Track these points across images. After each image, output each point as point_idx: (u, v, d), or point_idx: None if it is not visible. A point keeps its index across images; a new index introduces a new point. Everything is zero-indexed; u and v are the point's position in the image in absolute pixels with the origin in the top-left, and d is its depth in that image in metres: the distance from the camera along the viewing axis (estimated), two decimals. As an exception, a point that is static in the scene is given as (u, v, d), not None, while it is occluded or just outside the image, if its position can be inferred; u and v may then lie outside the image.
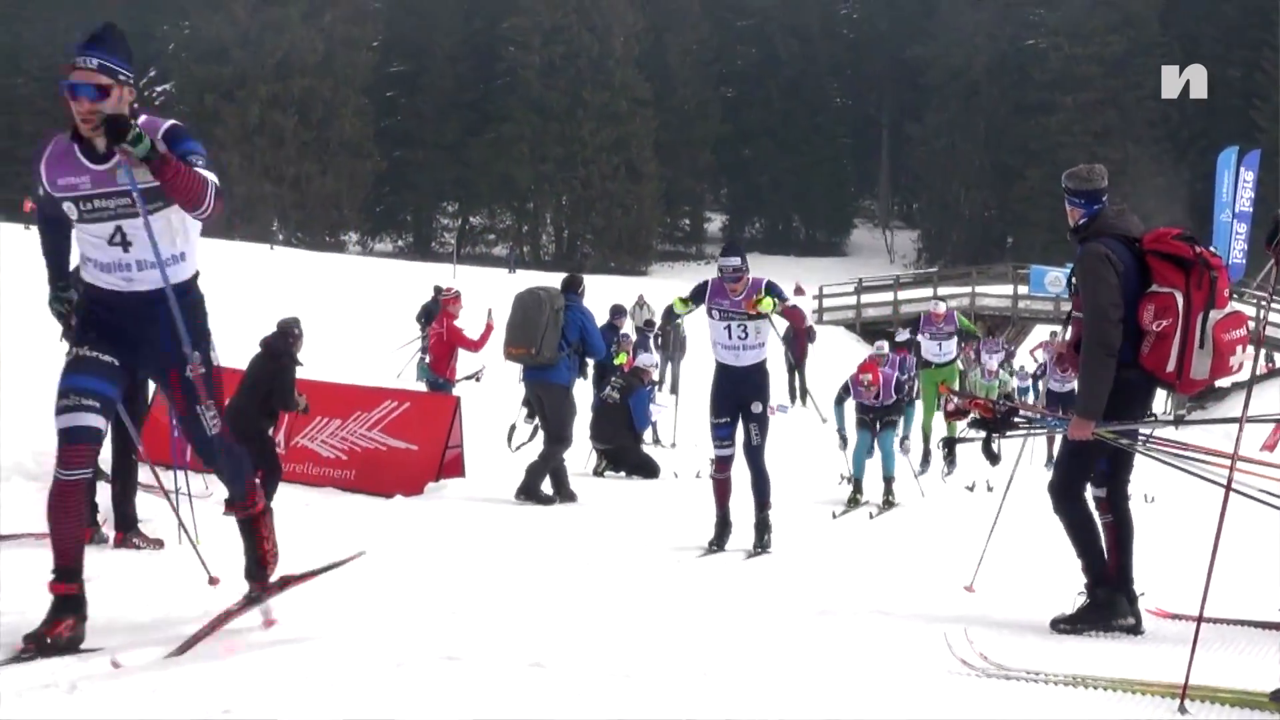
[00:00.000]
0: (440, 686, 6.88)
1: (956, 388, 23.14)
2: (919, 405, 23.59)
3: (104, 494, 12.13)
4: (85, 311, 7.79)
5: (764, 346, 13.54)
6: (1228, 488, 7.47)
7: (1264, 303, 43.03)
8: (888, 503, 18.54)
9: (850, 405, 19.65)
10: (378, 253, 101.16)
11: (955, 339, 24.19)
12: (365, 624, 8.59)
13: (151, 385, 12.97)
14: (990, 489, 20.35)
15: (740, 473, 13.62)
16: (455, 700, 6.67)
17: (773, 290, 13.40)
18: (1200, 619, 7.22)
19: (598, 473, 20.73)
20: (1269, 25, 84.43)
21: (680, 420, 27.60)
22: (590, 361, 18.17)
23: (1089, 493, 9.01)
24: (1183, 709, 6.58)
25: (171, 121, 7.87)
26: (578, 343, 17.09)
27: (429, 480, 17.07)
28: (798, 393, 39.13)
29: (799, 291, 71.74)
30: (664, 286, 64.60)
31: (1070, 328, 9.44)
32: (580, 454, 20.89)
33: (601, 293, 36.48)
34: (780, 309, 13.35)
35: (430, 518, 14.30)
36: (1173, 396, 36.90)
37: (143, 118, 7.75)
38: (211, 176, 7.64)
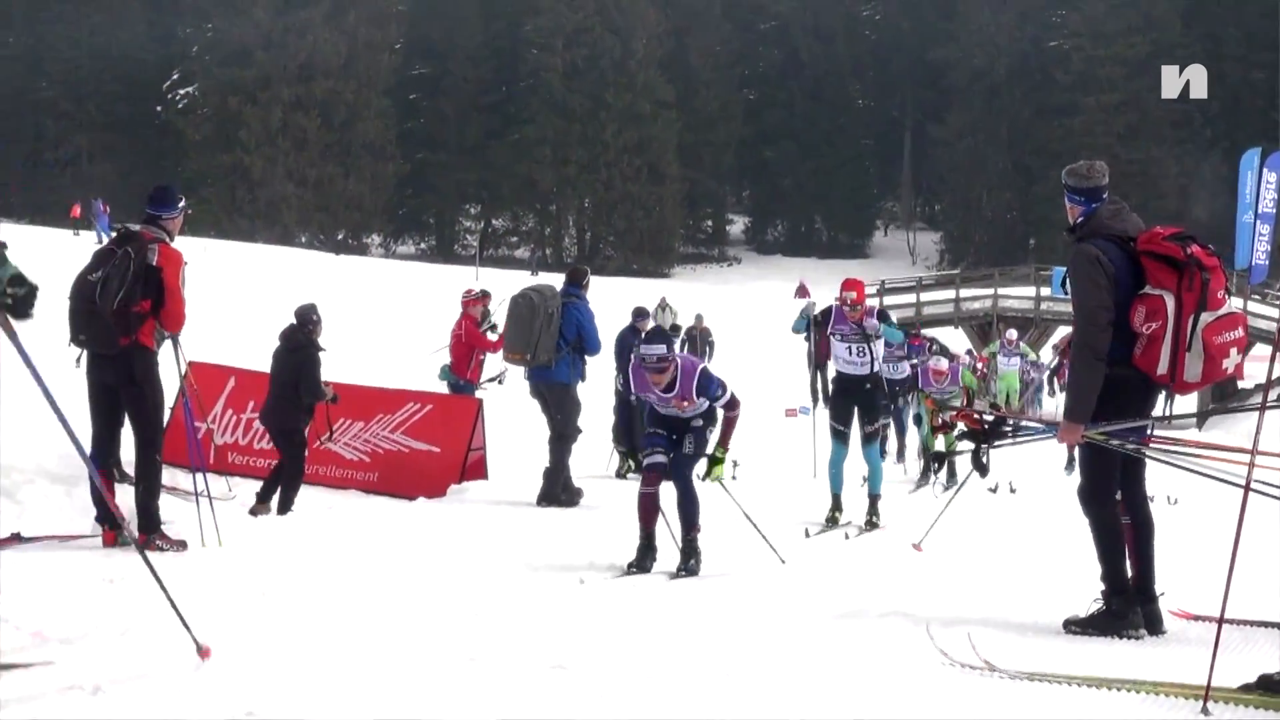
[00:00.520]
0: (462, 688, 6.90)
1: (957, 402, 22.79)
2: (908, 424, 23.88)
3: (127, 495, 12.15)
4: None
5: (702, 405, 12.50)
6: (1246, 487, 7.44)
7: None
8: (871, 523, 16.16)
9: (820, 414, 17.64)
10: (400, 255, 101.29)
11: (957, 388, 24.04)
12: (388, 626, 8.61)
13: (173, 389, 13.02)
14: (1013, 490, 20.30)
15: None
16: (477, 701, 6.69)
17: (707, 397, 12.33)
18: (1221, 620, 7.21)
19: (620, 474, 20.67)
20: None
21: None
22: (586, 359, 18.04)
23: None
24: (1205, 710, 6.58)
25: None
26: (576, 340, 17.11)
27: (451, 483, 17.07)
28: (819, 394, 39.14)
29: (803, 292, 71.60)
30: (686, 289, 64.71)
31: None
32: (603, 456, 20.90)
33: (624, 295, 36.53)
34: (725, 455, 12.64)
35: (453, 520, 14.31)
36: (1198, 396, 36.96)
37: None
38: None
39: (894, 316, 18.70)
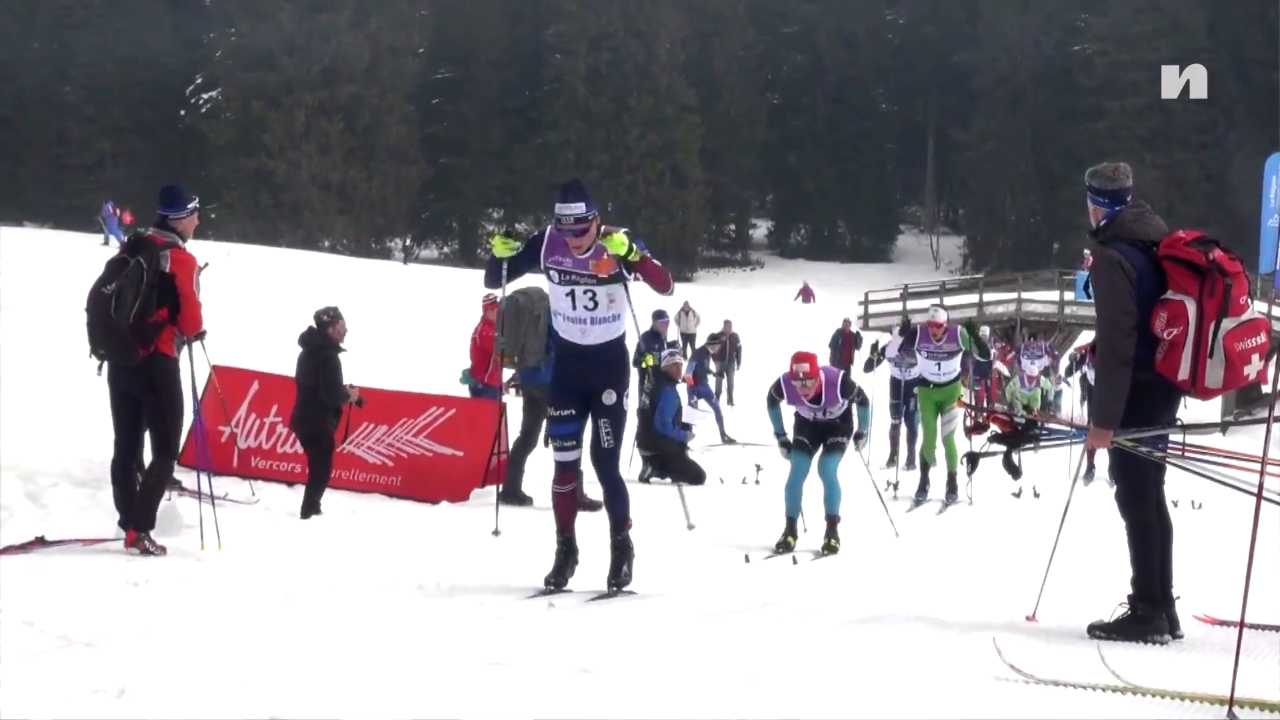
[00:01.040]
0: (487, 691, 6.91)
1: (959, 410, 21.21)
2: (919, 430, 21.94)
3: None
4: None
5: (620, 320, 10.76)
6: (1259, 496, 7.41)
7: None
8: (829, 547, 14.56)
9: (790, 417, 15.62)
10: (423, 259, 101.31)
11: (958, 357, 21.24)
12: (410, 629, 8.62)
13: (197, 392, 13.03)
14: (1037, 495, 20.24)
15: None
16: (503, 704, 6.70)
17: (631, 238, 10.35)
18: (1242, 624, 7.18)
19: (644, 479, 20.69)
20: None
21: (733, 426, 27.72)
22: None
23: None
24: (1231, 716, 6.56)
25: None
26: None
27: (474, 486, 17.09)
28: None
29: (808, 295, 71.49)
30: (710, 293, 64.62)
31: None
32: (624, 460, 20.89)
33: (647, 299, 36.42)
34: (639, 258, 10.32)
35: (475, 524, 14.32)
36: (1222, 400, 36.82)
37: None
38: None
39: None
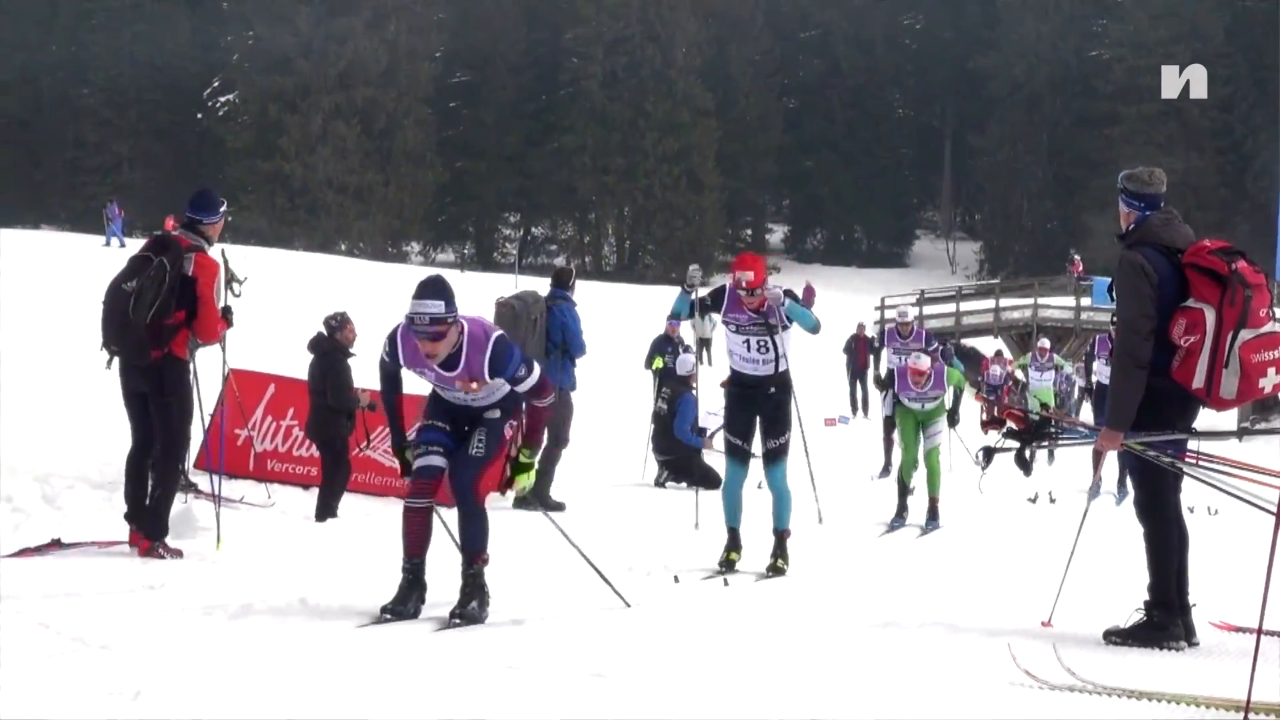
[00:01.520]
0: (502, 695, 6.92)
1: (944, 423, 18.64)
2: (896, 448, 19.73)
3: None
4: None
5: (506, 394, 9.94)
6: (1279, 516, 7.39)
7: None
8: (775, 568, 12.78)
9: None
10: (440, 263, 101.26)
11: (944, 396, 18.81)
12: (425, 632, 8.63)
13: (210, 398, 13.06)
14: (1053, 501, 20.21)
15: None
16: (518, 708, 6.71)
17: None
18: (1260, 631, 7.17)
19: (659, 483, 20.71)
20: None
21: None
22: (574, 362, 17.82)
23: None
24: (1246, 722, 6.56)
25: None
26: (563, 343, 17.05)
27: (491, 490, 17.09)
28: (859, 404, 39.18)
29: (809, 294, 71.44)
30: (725, 297, 64.50)
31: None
32: (640, 464, 20.95)
33: (663, 303, 36.45)
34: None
35: (492, 528, 14.32)
36: (1239, 407, 36.70)
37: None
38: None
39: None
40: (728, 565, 12.73)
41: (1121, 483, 19.75)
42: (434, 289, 9.22)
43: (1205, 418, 9.39)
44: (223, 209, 12.17)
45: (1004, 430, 9.88)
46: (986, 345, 53.32)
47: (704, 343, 43.16)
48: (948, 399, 19.14)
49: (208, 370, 13.74)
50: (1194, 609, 8.84)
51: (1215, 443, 9.35)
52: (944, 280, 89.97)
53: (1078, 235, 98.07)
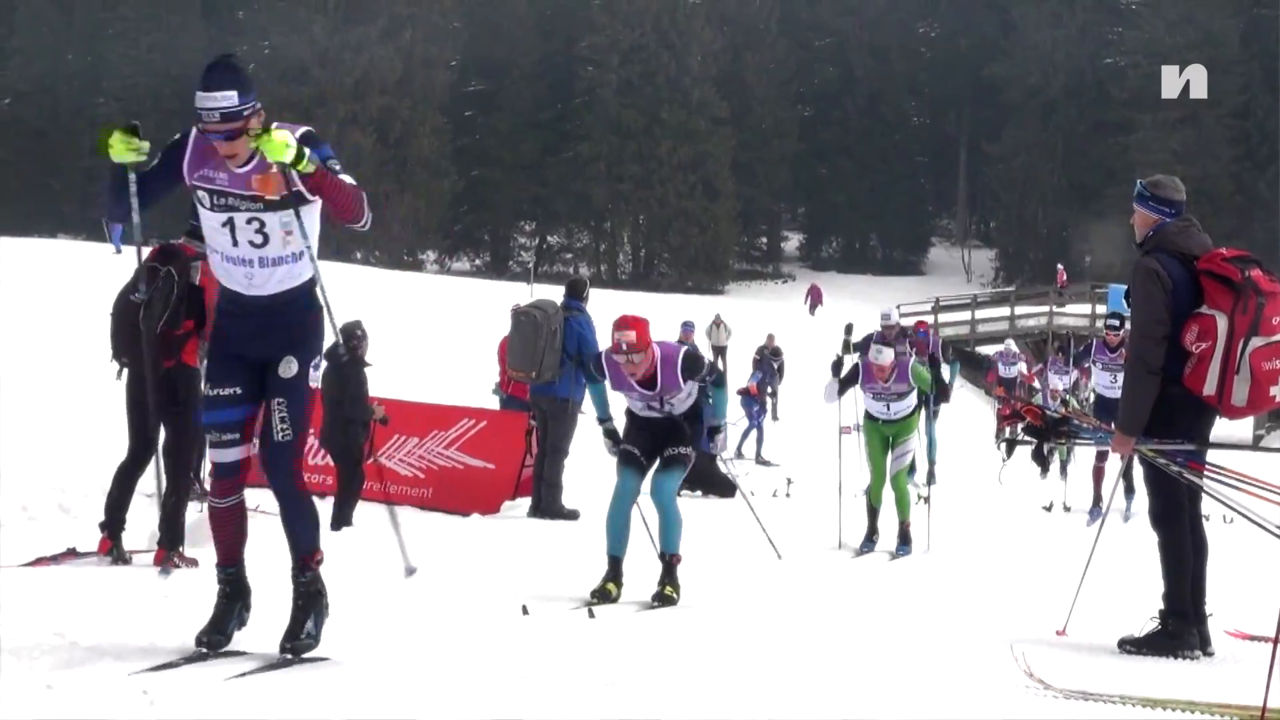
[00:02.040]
0: (516, 704, 6.92)
1: (914, 442, 17.47)
2: (866, 464, 17.70)
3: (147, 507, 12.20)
4: None
5: (302, 260, 8.33)
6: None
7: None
8: (663, 596, 11.29)
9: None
10: (455, 272, 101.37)
11: (911, 397, 17.17)
12: (440, 641, 8.63)
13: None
14: (1068, 509, 20.17)
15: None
16: (531, 716, 6.71)
17: None
18: (1277, 640, 7.16)
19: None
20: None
21: (774, 440, 27.75)
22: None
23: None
24: (1261, 732, 6.55)
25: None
26: (577, 354, 16.92)
27: (505, 499, 17.14)
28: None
29: (817, 297, 71.32)
30: (741, 305, 64.60)
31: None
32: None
33: (678, 312, 36.55)
34: (313, 169, 8.08)
35: (507, 536, 14.34)
36: (1253, 420, 36.68)
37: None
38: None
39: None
40: (603, 596, 11.12)
41: (1129, 491, 18.77)
42: (223, 75, 7.82)
43: (1220, 428, 9.38)
44: None
45: (1023, 426, 9.92)
46: (1001, 353, 53.38)
47: (719, 351, 43.28)
48: (919, 417, 17.72)
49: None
50: (1210, 619, 8.84)
51: (1230, 453, 9.32)
52: (959, 288, 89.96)
53: (1093, 242, 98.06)
